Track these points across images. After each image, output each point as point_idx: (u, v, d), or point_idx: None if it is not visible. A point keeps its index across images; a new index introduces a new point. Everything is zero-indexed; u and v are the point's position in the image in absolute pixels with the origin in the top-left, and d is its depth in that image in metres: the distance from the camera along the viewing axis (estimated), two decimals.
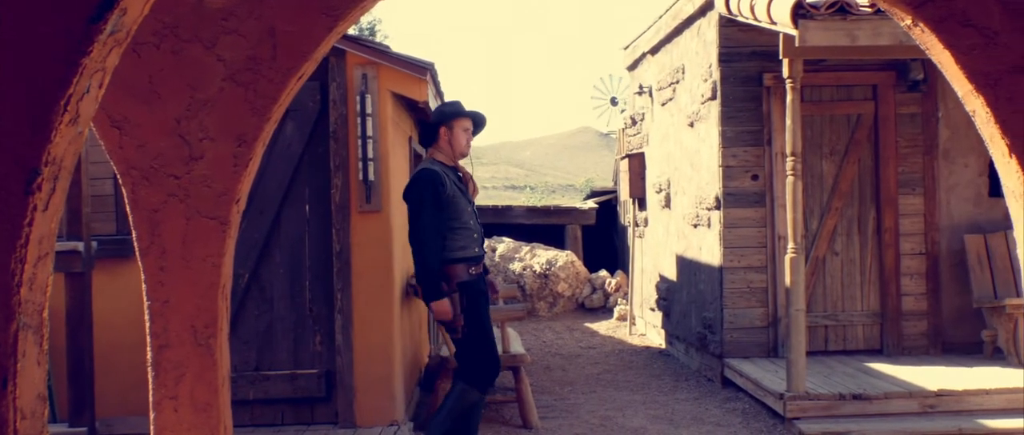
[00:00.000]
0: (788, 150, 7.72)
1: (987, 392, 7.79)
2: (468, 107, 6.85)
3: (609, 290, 16.18)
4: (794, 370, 7.71)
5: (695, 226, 10.34)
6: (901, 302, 9.47)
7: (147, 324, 3.65)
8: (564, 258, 16.03)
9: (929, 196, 9.49)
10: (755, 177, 9.42)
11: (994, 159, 3.26)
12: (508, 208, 18.62)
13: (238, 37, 3.48)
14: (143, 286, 3.64)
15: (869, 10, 7.42)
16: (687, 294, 10.86)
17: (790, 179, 7.70)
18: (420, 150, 10.04)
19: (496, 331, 9.22)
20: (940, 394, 7.77)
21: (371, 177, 7.25)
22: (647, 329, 13.45)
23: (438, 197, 6.42)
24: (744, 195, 9.43)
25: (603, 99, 21.71)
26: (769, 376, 8.44)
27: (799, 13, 7.44)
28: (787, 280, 7.81)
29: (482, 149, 62.14)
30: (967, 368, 8.66)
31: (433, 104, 8.48)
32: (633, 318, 14.10)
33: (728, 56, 9.43)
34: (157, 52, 3.47)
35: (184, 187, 3.56)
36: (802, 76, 7.78)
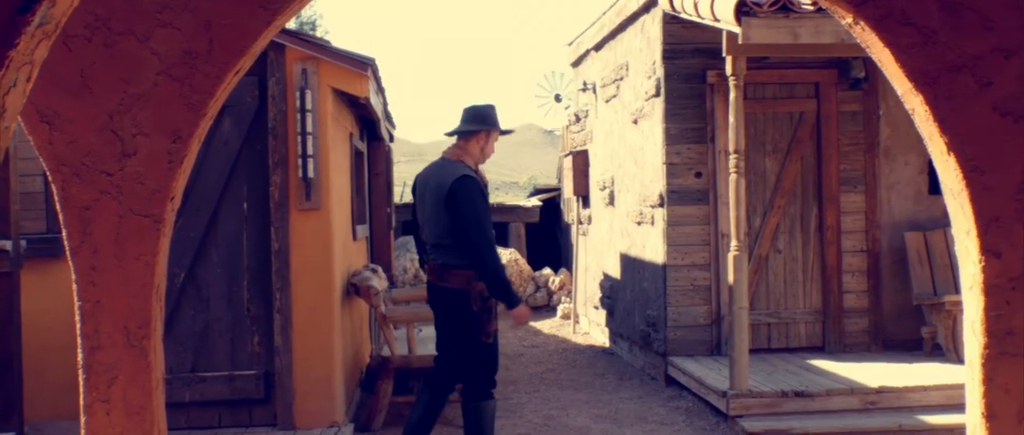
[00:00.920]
0: (731, 148, 7.73)
1: (926, 388, 7.88)
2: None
3: (553, 288, 16.17)
4: (737, 368, 7.73)
5: (639, 224, 10.33)
6: (843, 300, 9.54)
7: (78, 325, 3.55)
8: (507, 256, 15.99)
9: (870, 194, 9.57)
10: (699, 175, 9.43)
11: (933, 156, 3.29)
12: None
13: (173, 30, 3.39)
14: (74, 286, 3.54)
15: (811, 8, 7.45)
16: (631, 292, 10.86)
17: (733, 177, 7.71)
18: (361, 147, 9.93)
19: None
20: (881, 391, 7.84)
21: (311, 174, 7.13)
22: (591, 327, 13.44)
23: (487, 207, 6.37)
24: (688, 193, 9.43)
25: (547, 96, 21.74)
26: (712, 374, 8.45)
27: (742, 10, 7.45)
28: (730, 278, 7.82)
29: (425, 146, 61.93)
30: (907, 365, 8.75)
31: (374, 100, 8.38)
32: (577, 317, 14.09)
33: (672, 53, 9.43)
34: (89, 45, 3.38)
35: (117, 184, 3.47)
36: (745, 74, 7.81)
